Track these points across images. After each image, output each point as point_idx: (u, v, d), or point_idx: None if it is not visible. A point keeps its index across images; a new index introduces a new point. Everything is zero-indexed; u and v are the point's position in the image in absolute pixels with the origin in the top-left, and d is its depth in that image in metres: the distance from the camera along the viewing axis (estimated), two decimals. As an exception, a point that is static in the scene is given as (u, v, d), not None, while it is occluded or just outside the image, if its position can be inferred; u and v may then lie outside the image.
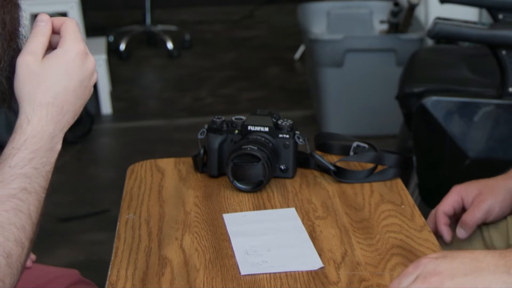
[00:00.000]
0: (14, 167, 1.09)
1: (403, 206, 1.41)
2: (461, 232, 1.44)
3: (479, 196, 1.44)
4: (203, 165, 1.54)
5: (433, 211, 1.47)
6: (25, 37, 1.14)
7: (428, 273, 1.03)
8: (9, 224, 1.05)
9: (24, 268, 1.08)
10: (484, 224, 1.49)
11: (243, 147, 1.46)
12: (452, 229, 1.45)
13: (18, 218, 1.07)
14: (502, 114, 2.31)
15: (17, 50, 1.13)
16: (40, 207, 1.11)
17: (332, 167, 1.51)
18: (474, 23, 2.48)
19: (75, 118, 1.15)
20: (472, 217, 1.43)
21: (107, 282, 1.20)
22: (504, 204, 1.44)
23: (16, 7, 1.13)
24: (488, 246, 1.48)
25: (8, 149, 1.10)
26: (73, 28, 1.14)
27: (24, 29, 1.15)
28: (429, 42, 3.85)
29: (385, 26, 4.18)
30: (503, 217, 1.46)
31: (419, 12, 4.17)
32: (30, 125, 1.11)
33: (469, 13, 3.76)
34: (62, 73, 1.12)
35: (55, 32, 1.15)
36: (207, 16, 6.47)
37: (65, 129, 1.14)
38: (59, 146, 1.14)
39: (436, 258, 1.05)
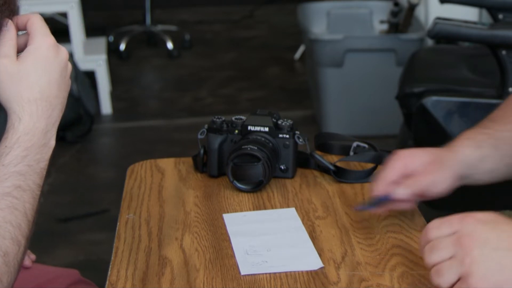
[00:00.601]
0: (7, 166, 1.09)
1: (403, 206, 1.41)
2: (403, 191, 1.32)
3: (427, 166, 1.32)
4: (203, 165, 1.54)
5: (378, 179, 1.34)
6: None
7: (464, 234, 1.05)
8: (4, 222, 1.05)
9: (21, 266, 1.08)
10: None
11: (243, 147, 1.46)
12: None
13: (14, 216, 1.07)
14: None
15: None
16: (35, 205, 1.11)
17: (332, 167, 1.51)
18: (474, 23, 2.48)
19: (63, 112, 1.15)
20: (416, 185, 1.31)
21: (107, 282, 1.20)
22: (449, 181, 1.32)
23: (12, 12, 1.14)
24: None
25: (1, 148, 1.10)
26: (38, 23, 1.15)
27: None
28: (429, 42, 3.85)
29: (385, 26, 4.18)
30: (440, 195, 1.34)
31: (419, 12, 4.17)
32: (22, 123, 1.11)
33: (469, 13, 3.76)
34: (40, 68, 1.13)
35: (22, 29, 1.16)
36: (207, 16, 6.47)
37: (57, 124, 1.14)
38: (52, 142, 1.14)
39: (479, 221, 1.07)
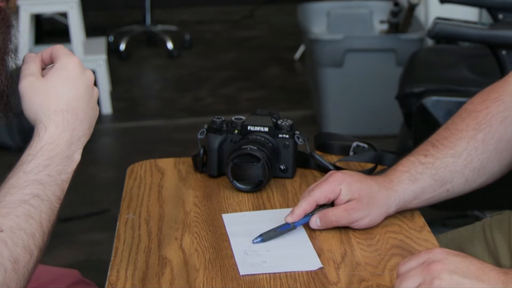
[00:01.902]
0: (28, 173, 1.09)
1: (403, 206, 1.41)
2: (315, 223, 1.31)
3: (355, 202, 1.31)
4: (203, 165, 1.54)
5: (306, 193, 1.32)
6: (14, 54, 1.17)
7: (433, 261, 1.06)
8: (19, 229, 1.05)
9: (31, 276, 1.07)
10: (486, 224, 1.48)
11: (243, 147, 1.46)
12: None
13: (29, 225, 1.06)
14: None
15: (7, 68, 1.15)
16: (52, 217, 1.11)
17: (332, 167, 1.51)
18: (474, 23, 2.48)
19: (91, 130, 1.17)
20: (339, 219, 1.30)
21: (107, 282, 1.20)
22: (375, 219, 1.32)
23: (9, 28, 1.15)
24: (490, 245, 1.46)
25: (24, 156, 1.11)
26: (62, 48, 1.18)
27: (14, 47, 1.17)
28: (429, 42, 3.85)
29: (385, 26, 4.18)
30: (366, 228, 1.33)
31: (419, 12, 4.17)
32: (47, 132, 1.12)
33: (469, 13, 3.76)
34: (67, 82, 1.15)
35: (46, 63, 1.19)
36: (207, 16, 6.47)
37: (83, 140, 1.16)
38: (77, 156, 1.15)
39: (448, 253, 1.07)
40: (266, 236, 1.29)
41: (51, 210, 1.10)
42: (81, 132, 1.15)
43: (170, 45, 5.47)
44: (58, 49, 1.18)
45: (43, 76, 1.16)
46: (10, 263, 1.03)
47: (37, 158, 1.10)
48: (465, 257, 1.08)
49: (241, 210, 1.42)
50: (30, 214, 1.07)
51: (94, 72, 4.82)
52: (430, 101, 2.42)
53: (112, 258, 1.26)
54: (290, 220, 1.29)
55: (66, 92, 1.14)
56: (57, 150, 1.12)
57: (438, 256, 1.07)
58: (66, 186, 1.13)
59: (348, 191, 1.31)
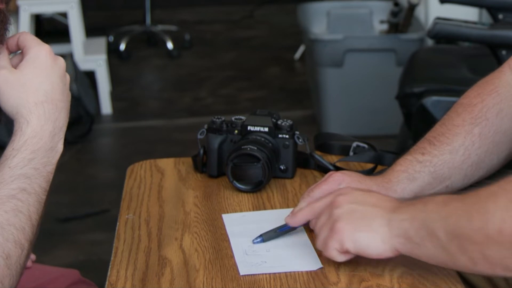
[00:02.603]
0: (13, 168, 1.09)
1: (403, 206, 1.41)
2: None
3: None
4: (202, 165, 1.54)
5: (305, 193, 1.33)
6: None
7: (337, 195, 1.21)
8: (8, 225, 1.05)
9: (23, 270, 1.08)
10: None
11: (242, 147, 1.46)
12: None
13: (18, 219, 1.06)
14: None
15: None
16: (40, 209, 1.11)
17: (332, 167, 1.51)
18: (474, 23, 2.48)
19: (68, 117, 1.16)
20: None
21: (107, 282, 1.20)
22: None
23: (7, 30, 1.14)
24: None
25: (8, 151, 1.10)
26: (29, 36, 1.16)
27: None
28: (429, 42, 3.85)
29: (385, 26, 4.19)
30: None
31: (419, 12, 4.17)
32: (30, 126, 1.11)
33: (469, 13, 3.76)
34: (41, 73, 1.13)
35: (13, 50, 1.17)
36: (207, 16, 6.47)
37: (64, 128, 1.15)
38: (60, 146, 1.14)
39: (354, 189, 1.24)
40: (266, 236, 1.29)
41: (39, 203, 1.10)
42: (62, 122, 1.14)
43: (170, 45, 5.47)
44: (26, 37, 1.16)
45: (13, 66, 1.14)
46: (2, 259, 1.03)
47: (21, 153, 1.10)
48: (368, 192, 1.22)
49: (241, 210, 1.42)
50: (18, 208, 1.07)
51: (94, 72, 4.81)
52: (430, 101, 2.42)
53: (112, 258, 1.26)
54: (290, 223, 1.29)
55: (43, 83, 1.13)
56: (40, 143, 1.11)
57: (344, 191, 1.22)
58: (51, 177, 1.13)
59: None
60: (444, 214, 1.09)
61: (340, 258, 1.18)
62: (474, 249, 1.06)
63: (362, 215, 1.17)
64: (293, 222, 1.27)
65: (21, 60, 1.15)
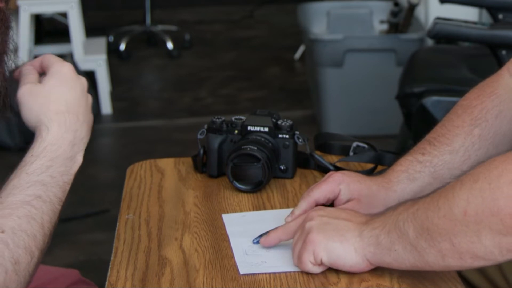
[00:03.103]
0: (31, 174, 1.09)
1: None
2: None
3: (354, 203, 1.32)
4: (202, 165, 1.54)
5: (305, 193, 1.33)
6: (13, 54, 1.17)
7: (309, 213, 1.22)
8: (20, 230, 1.05)
9: (32, 278, 1.07)
10: None
11: (242, 147, 1.46)
12: None
13: (30, 226, 1.06)
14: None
15: (5, 68, 1.15)
16: (54, 218, 1.11)
17: (332, 167, 1.51)
18: (474, 23, 2.48)
19: (90, 133, 1.18)
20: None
21: (107, 282, 1.20)
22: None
23: (7, 29, 1.15)
24: None
25: (27, 157, 1.11)
26: (52, 57, 1.19)
27: (13, 47, 1.18)
28: (429, 42, 3.85)
29: (385, 26, 4.19)
30: None
31: (419, 12, 4.17)
32: (50, 133, 1.12)
33: (469, 13, 3.76)
34: (64, 85, 1.16)
35: (38, 71, 1.19)
36: (207, 16, 6.47)
37: (85, 141, 1.16)
38: (79, 158, 1.15)
39: (326, 207, 1.26)
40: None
41: (53, 212, 1.10)
42: (83, 133, 1.16)
43: (170, 45, 5.47)
44: (49, 57, 1.19)
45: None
46: (11, 264, 1.02)
47: (39, 159, 1.11)
48: (340, 208, 1.25)
49: (241, 210, 1.42)
50: (31, 215, 1.07)
51: (94, 72, 4.81)
52: (430, 101, 2.42)
53: (112, 258, 1.26)
54: (263, 244, 1.28)
55: (65, 94, 1.15)
56: (59, 151, 1.12)
57: (316, 209, 1.24)
58: (68, 187, 1.13)
59: (348, 191, 1.32)
60: (412, 210, 1.11)
61: (315, 270, 1.18)
62: (442, 239, 1.07)
63: (335, 227, 1.17)
64: (266, 243, 1.26)
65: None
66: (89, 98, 1.20)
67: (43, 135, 1.12)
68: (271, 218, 1.36)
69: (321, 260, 1.16)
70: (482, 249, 1.05)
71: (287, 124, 1.50)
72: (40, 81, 1.17)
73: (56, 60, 1.18)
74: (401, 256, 1.12)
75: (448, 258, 1.08)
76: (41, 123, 1.13)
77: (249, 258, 1.24)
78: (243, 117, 1.53)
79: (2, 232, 1.03)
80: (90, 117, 1.19)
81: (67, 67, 1.17)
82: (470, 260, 1.07)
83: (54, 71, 1.17)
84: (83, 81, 1.19)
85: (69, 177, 1.13)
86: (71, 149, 1.14)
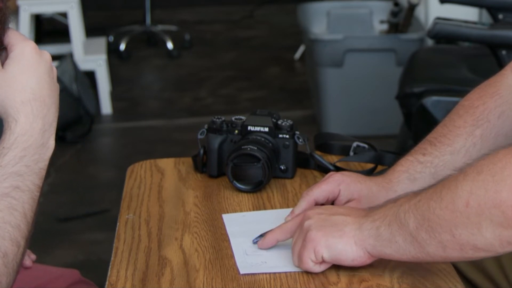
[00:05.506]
0: (5, 167, 1.09)
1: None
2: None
3: (354, 203, 1.32)
4: (202, 165, 1.54)
5: (305, 193, 1.33)
6: None
7: (307, 212, 1.22)
8: (3, 223, 1.05)
9: (20, 268, 1.08)
10: None
11: (243, 147, 1.46)
12: None
13: (13, 217, 1.06)
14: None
15: None
16: (34, 206, 1.10)
17: (332, 167, 1.51)
18: (474, 23, 2.48)
19: (58, 112, 1.15)
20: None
21: (107, 282, 1.20)
22: None
23: (7, 29, 1.14)
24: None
25: None
26: (14, 32, 1.15)
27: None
28: (429, 42, 3.85)
29: (385, 26, 4.19)
30: None
31: (419, 12, 4.17)
32: (18, 124, 1.11)
33: (469, 13, 3.76)
34: (27, 70, 1.12)
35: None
36: (207, 16, 6.47)
37: (54, 124, 1.14)
38: (51, 142, 1.13)
39: (322, 206, 1.26)
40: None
41: (33, 200, 1.10)
42: (51, 118, 1.13)
43: (170, 45, 5.47)
44: (10, 34, 1.15)
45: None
46: (0, 257, 1.03)
47: (11, 151, 1.09)
48: (337, 206, 1.27)
49: (241, 210, 1.42)
50: (12, 206, 1.07)
51: (94, 72, 4.81)
52: (430, 101, 2.42)
53: (112, 258, 1.26)
54: (261, 246, 1.28)
55: (29, 80, 1.12)
56: (31, 141, 1.11)
57: (314, 207, 1.25)
58: (44, 173, 1.12)
59: (348, 191, 1.31)
60: (414, 202, 1.11)
61: (316, 269, 1.18)
62: (443, 230, 1.07)
63: (334, 223, 1.17)
64: (264, 245, 1.26)
65: (6, 57, 1.14)
66: (54, 72, 1.16)
67: (11, 127, 1.11)
68: (271, 218, 1.36)
69: (322, 257, 1.16)
70: (482, 241, 1.05)
71: (287, 124, 1.50)
72: (2, 61, 1.13)
73: (18, 40, 1.13)
74: (401, 247, 1.11)
75: (448, 249, 1.08)
76: (7, 115, 1.11)
77: (249, 258, 1.24)
78: (243, 117, 1.53)
79: None
80: (56, 95, 1.15)
81: (28, 47, 1.13)
82: (471, 251, 1.07)
83: (16, 53, 1.12)
84: (47, 58, 1.15)
85: (44, 163, 1.12)
86: (42, 136, 1.12)
